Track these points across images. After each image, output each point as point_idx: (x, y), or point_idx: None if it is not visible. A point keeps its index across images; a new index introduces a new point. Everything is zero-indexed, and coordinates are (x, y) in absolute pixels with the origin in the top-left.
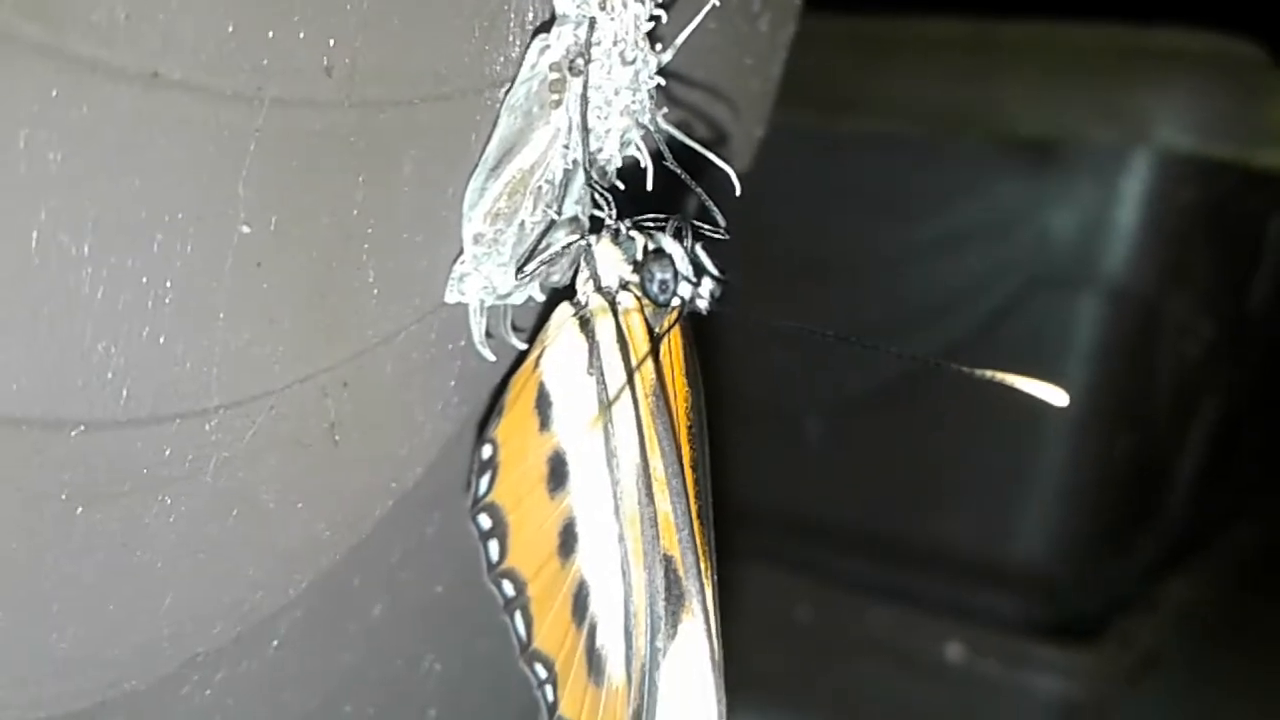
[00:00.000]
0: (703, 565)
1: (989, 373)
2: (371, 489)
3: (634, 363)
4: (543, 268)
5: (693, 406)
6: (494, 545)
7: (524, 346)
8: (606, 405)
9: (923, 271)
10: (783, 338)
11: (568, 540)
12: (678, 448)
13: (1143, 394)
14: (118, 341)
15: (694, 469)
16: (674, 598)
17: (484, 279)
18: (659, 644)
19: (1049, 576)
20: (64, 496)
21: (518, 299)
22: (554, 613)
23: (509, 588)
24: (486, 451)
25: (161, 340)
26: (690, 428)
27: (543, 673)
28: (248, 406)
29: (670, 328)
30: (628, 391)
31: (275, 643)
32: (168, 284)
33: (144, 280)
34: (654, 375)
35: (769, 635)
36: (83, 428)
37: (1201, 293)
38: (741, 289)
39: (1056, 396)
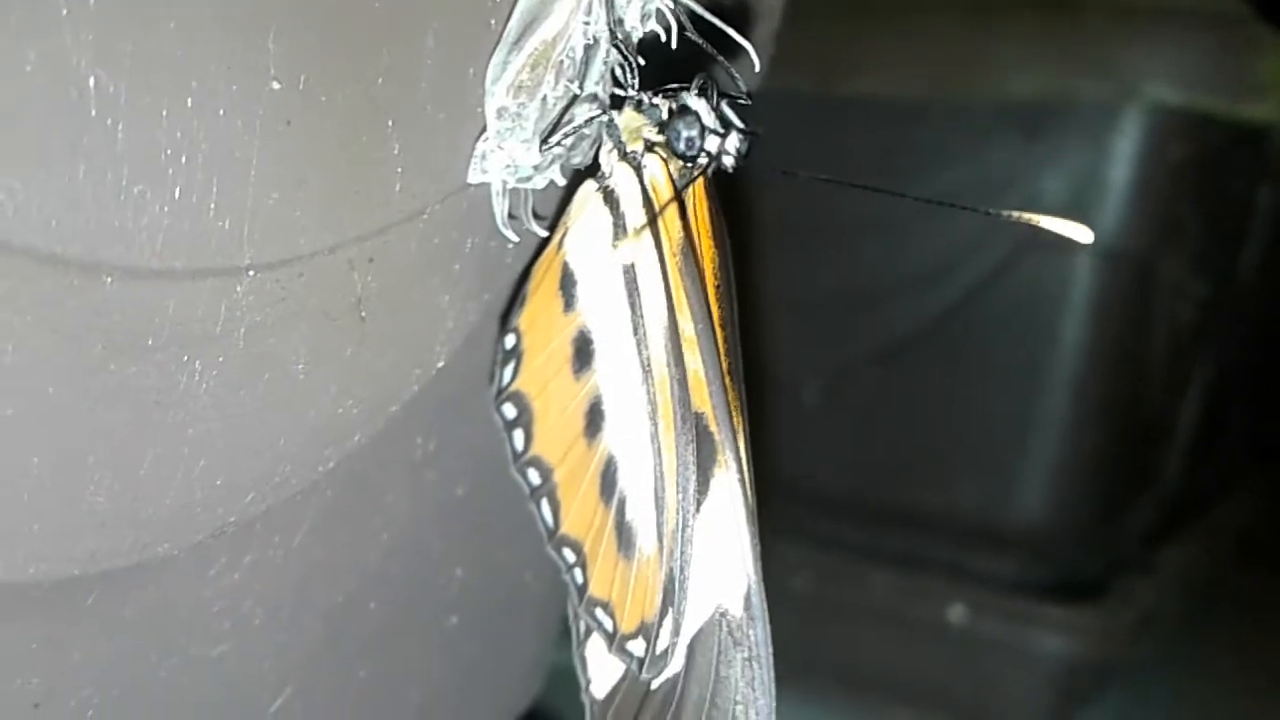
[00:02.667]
0: (735, 419)
1: (1015, 213)
2: (398, 370)
3: (660, 220)
4: (566, 142)
5: (720, 266)
6: (519, 434)
7: (545, 234)
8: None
9: (917, 235)
10: (778, 306)
11: (594, 420)
12: (707, 304)
13: (1138, 355)
14: (153, 187)
15: (723, 328)
16: (705, 454)
17: (507, 156)
18: (689, 502)
19: (1048, 539)
20: (100, 347)
21: (539, 183)
22: (581, 494)
23: (535, 476)
24: (510, 341)
25: (195, 190)
26: (718, 287)
27: (571, 557)
28: (278, 272)
29: (697, 177)
30: (654, 252)
31: (302, 532)
32: (201, 133)
33: (179, 127)
34: (681, 233)
35: (769, 604)
36: (119, 274)
37: (1193, 254)
38: (764, 137)
39: (1081, 233)
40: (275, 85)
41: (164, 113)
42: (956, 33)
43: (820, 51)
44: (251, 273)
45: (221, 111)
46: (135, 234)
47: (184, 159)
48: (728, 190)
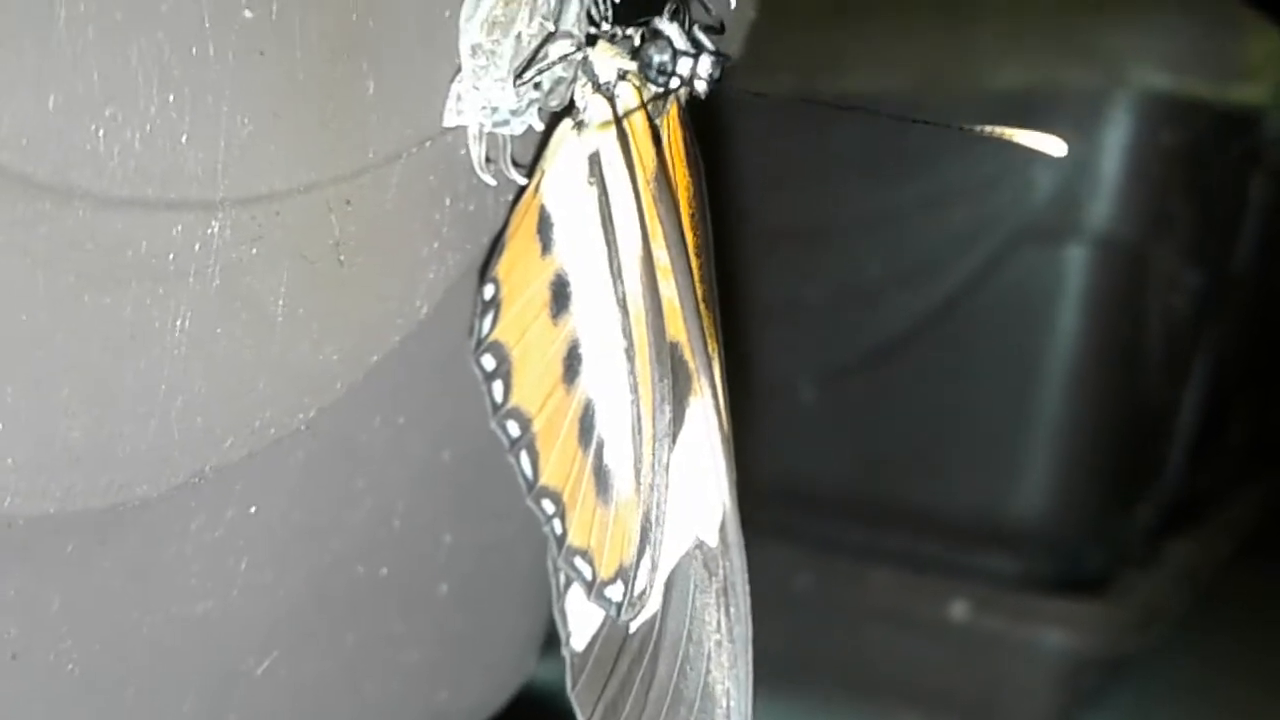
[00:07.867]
0: (710, 345)
1: (988, 129)
2: (378, 318)
3: (634, 149)
4: (540, 80)
5: (694, 195)
6: (498, 386)
7: (524, 181)
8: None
9: (908, 231)
10: (771, 307)
11: (572, 365)
12: (681, 232)
13: (1135, 347)
14: (125, 109)
15: (698, 255)
16: (681, 384)
17: (483, 98)
18: (666, 437)
19: (1050, 535)
20: (73, 277)
21: (517, 128)
22: (560, 443)
23: (514, 428)
24: (488, 291)
25: (167, 116)
26: (693, 215)
27: (550, 507)
28: (254, 209)
29: (669, 101)
30: (629, 182)
31: (283, 491)
32: (173, 58)
33: (150, 51)
34: (655, 161)
35: (769, 606)
36: (91, 202)
37: (1186, 245)
38: (737, 67)
39: (1053, 146)
40: (248, 14)
41: (136, 34)
42: (940, 25)
43: (806, 49)
44: (228, 206)
45: (193, 36)
46: (107, 158)
47: (156, 83)
48: (719, 194)
